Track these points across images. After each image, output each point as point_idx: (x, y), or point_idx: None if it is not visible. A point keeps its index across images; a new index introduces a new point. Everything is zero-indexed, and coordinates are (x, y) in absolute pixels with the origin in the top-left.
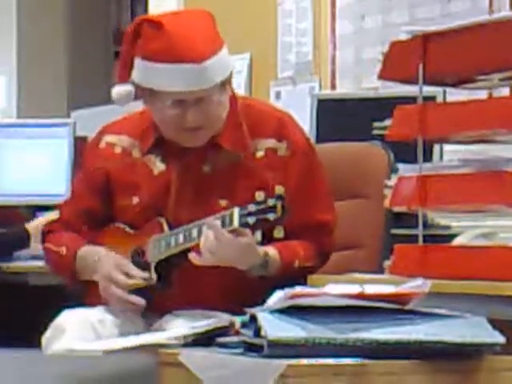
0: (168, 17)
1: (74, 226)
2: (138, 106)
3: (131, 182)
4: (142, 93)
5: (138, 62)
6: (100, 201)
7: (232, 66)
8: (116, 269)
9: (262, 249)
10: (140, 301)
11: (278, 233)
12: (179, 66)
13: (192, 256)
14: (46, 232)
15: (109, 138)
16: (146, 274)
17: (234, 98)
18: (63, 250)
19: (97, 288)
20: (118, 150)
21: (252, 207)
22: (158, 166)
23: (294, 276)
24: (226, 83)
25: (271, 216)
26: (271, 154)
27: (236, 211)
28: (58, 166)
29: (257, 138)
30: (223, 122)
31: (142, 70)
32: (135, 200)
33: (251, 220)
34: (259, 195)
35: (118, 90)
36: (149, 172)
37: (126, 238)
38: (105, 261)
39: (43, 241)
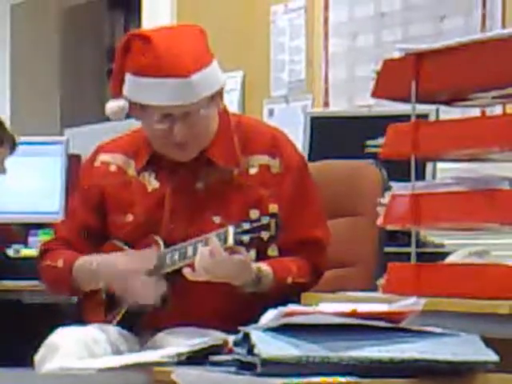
0: (158, 31)
1: (72, 244)
2: (133, 123)
3: (126, 200)
4: (132, 107)
5: (128, 76)
6: (96, 218)
7: (222, 80)
8: (126, 260)
9: (255, 265)
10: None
11: (272, 251)
12: (165, 80)
13: (186, 271)
14: (44, 251)
15: (104, 157)
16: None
17: (226, 114)
18: (60, 262)
19: (96, 306)
20: (112, 168)
21: (246, 225)
22: (152, 184)
23: (286, 292)
24: (214, 97)
25: (265, 234)
26: (264, 170)
27: (231, 229)
28: (51, 183)
29: (250, 155)
30: (212, 135)
31: (131, 85)
32: (129, 217)
33: (245, 238)
34: (254, 213)
35: (111, 106)
36: (143, 189)
37: None
38: (108, 262)
39: (41, 260)
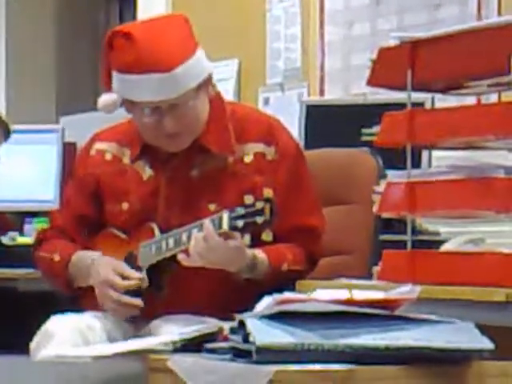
0: (140, 26)
1: (68, 233)
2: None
3: (121, 188)
4: (123, 101)
5: (113, 73)
6: (92, 206)
7: (209, 68)
8: (111, 271)
9: (250, 251)
10: (136, 301)
11: (267, 236)
12: (148, 76)
13: (181, 257)
14: (40, 240)
15: (99, 146)
16: (140, 275)
17: (220, 101)
18: (56, 256)
19: (90, 294)
20: (108, 156)
21: (241, 210)
22: (147, 172)
23: (282, 279)
24: (202, 86)
25: (260, 219)
26: (260, 158)
27: (225, 215)
28: (46, 171)
29: (245, 143)
30: (203, 123)
31: (117, 82)
32: (125, 206)
33: (240, 223)
34: (248, 198)
35: (103, 99)
36: (138, 178)
37: (119, 244)
38: (99, 264)
39: (36, 249)
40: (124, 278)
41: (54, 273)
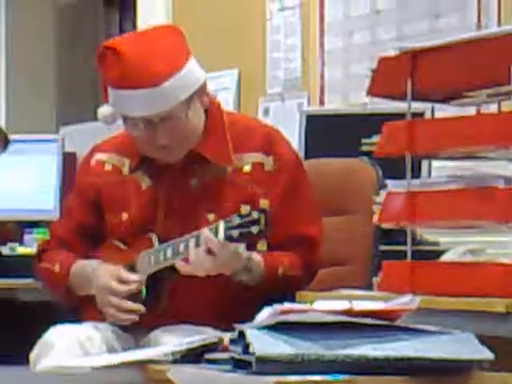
0: (127, 40)
1: (68, 243)
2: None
3: (121, 199)
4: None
5: (108, 87)
6: (92, 216)
7: (201, 78)
8: (111, 278)
9: (246, 253)
10: (137, 306)
11: (262, 246)
12: (136, 91)
13: (179, 264)
14: (41, 252)
15: (99, 156)
16: (138, 277)
17: (218, 110)
18: (56, 267)
19: (90, 305)
20: (108, 167)
21: (236, 220)
22: (146, 182)
23: (278, 285)
24: (194, 97)
25: (255, 229)
26: (258, 168)
27: (221, 225)
28: (46, 181)
29: (244, 152)
30: (199, 133)
31: (110, 96)
32: (124, 216)
33: (235, 233)
34: (244, 208)
35: (101, 111)
36: (137, 188)
37: (120, 255)
38: (99, 272)
39: (38, 260)
40: (123, 282)
41: (55, 283)
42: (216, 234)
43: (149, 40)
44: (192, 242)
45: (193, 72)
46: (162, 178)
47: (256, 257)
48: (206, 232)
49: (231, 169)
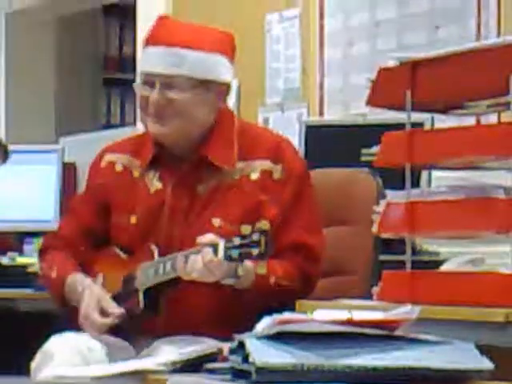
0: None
1: (72, 243)
2: (127, 131)
3: (129, 201)
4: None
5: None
6: (99, 218)
7: (224, 77)
8: (94, 307)
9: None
10: (118, 310)
11: (261, 269)
12: (164, 48)
13: (179, 262)
14: (44, 248)
15: (109, 157)
16: (120, 311)
17: (230, 116)
18: (53, 273)
19: None
20: (118, 168)
21: (237, 240)
22: (155, 185)
23: (271, 294)
24: (206, 87)
25: (255, 251)
26: (266, 176)
27: (221, 243)
28: (46, 192)
29: (253, 160)
30: (202, 129)
31: (141, 60)
32: (132, 219)
33: (235, 253)
34: (245, 229)
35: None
36: (146, 191)
37: (120, 264)
38: (84, 297)
39: (40, 257)
40: (105, 314)
41: (51, 290)
42: (216, 252)
43: (202, 27)
44: (192, 257)
45: (220, 65)
46: (170, 182)
47: (247, 263)
48: (207, 250)
49: (239, 175)
